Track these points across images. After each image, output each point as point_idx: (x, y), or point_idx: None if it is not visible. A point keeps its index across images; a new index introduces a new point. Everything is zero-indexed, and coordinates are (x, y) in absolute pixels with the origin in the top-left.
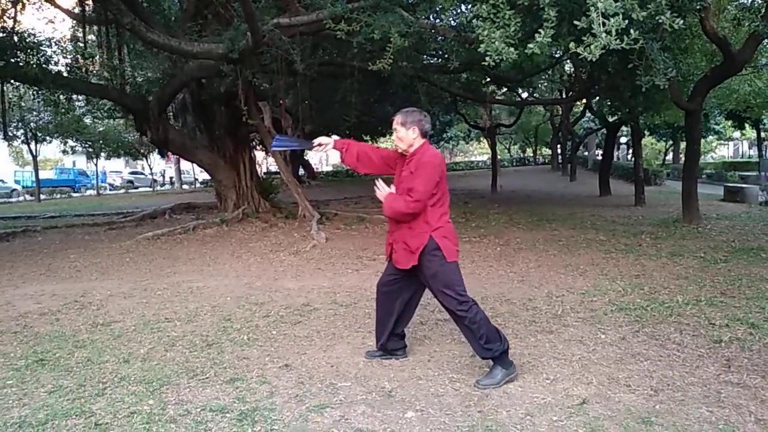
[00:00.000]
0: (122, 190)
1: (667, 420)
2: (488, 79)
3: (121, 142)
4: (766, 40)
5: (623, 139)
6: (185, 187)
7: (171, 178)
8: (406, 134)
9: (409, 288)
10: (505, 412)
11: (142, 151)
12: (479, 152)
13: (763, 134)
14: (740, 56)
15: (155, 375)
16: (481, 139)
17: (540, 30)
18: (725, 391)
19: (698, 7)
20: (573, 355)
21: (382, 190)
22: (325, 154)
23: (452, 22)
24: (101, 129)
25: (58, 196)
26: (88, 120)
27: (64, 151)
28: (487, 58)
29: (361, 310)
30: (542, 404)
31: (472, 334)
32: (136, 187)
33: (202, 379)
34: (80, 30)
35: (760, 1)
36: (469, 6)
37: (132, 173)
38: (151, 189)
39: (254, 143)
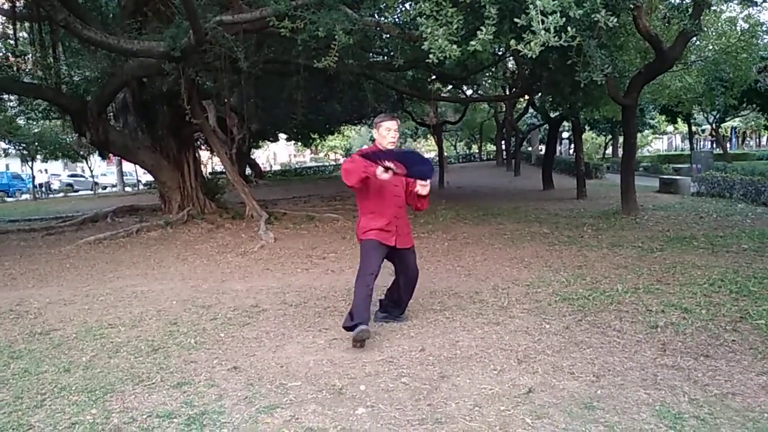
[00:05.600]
0: (61, 194)
1: (608, 404)
2: (433, 77)
3: (59, 143)
4: (694, 38)
5: (565, 134)
6: (128, 189)
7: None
8: None
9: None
10: (454, 404)
11: (81, 153)
12: (426, 149)
13: (693, 128)
14: (671, 53)
15: (98, 383)
16: (428, 136)
17: (482, 27)
18: (661, 374)
19: (631, 6)
20: (519, 346)
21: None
22: (272, 153)
23: (396, 19)
24: (36, 130)
25: None
26: (21, 121)
27: None
28: (431, 56)
29: (311, 309)
30: (490, 395)
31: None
32: (76, 191)
33: (148, 384)
34: (10, 27)
35: (688, 1)
36: (413, 4)
37: (71, 176)
38: (92, 192)
39: (198, 143)
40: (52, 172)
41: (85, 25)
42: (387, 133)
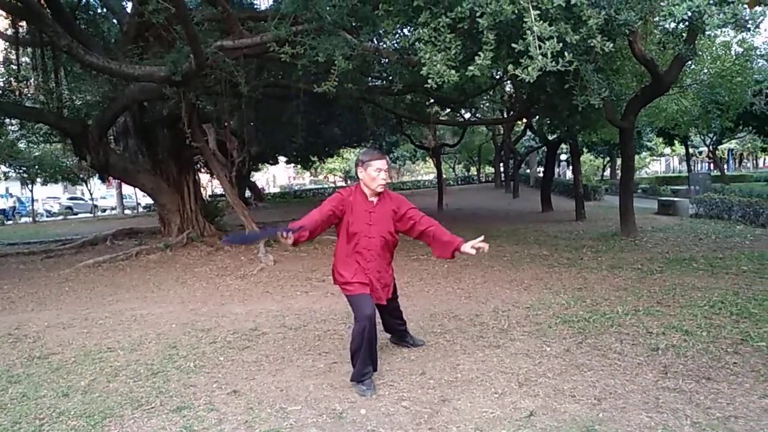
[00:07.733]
0: (60, 217)
1: (610, 427)
2: (432, 101)
3: (59, 167)
4: (689, 62)
5: (563, 157)
6: (127, 212)
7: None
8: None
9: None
10: (455, 428)
11: (81, 176)
12: (425, 171)
13: (691, 150)
14: (667, 77)
15: (97, 408)
16: (427, 158)
17: (480, 53)
18: (663, 397)
19: (627, 31)
20: (520, 369)
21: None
22: (272, 176)
23: (395, 45)
24: (37, 154)
25: None
26: (22, 144)
27: None
28: (430, 80)
29: (310, 332)
30: (491, 418)
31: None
32: (76, 213)
33: (148, 409)
34: (13, 52)
35: (682, 26)
36: (411, 29)
37: (71, 199)
38: (91, 215)
39: (198, 166)
40: (49, 195)
41: (87, 50)
42: (377, 174)
